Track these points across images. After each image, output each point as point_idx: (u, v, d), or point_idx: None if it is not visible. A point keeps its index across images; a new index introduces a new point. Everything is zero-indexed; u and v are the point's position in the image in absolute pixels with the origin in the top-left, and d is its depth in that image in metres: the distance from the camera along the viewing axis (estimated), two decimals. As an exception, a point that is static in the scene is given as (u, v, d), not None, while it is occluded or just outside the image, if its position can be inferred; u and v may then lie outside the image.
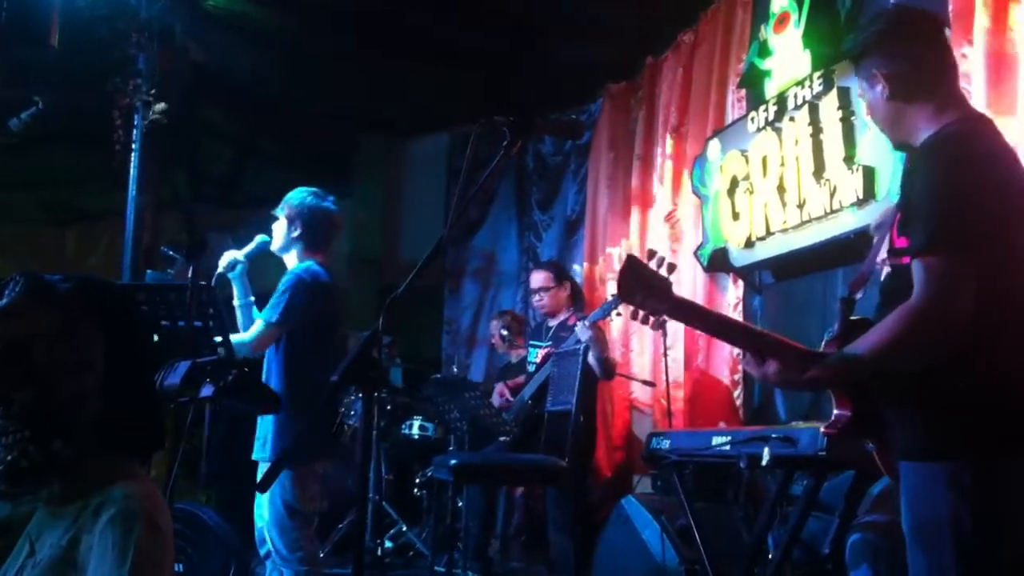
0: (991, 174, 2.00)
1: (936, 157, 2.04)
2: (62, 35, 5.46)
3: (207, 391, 3.00)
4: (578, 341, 5.02)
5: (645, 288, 2.08)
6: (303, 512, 3.65)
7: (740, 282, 5.62)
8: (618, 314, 5.53)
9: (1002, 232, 1.97)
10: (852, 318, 2.17)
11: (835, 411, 2.16)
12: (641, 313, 2.18)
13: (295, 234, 3.89)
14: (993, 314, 1.95)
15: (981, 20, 3.69)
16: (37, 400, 1.67)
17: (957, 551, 1.94)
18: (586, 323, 5.11)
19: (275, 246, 3.94)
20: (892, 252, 2.10)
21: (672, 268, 2.36)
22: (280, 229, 3.94)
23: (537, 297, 5.71)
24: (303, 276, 3.77)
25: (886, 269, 2.15)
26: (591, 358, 5.12)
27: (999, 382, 1.98)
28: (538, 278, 5.74)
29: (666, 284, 2.10)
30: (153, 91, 6.39)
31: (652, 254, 2.34)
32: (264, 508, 3.69)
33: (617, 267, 6.78)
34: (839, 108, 4.51)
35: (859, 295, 2.19)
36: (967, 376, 1.96)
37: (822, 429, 2.47)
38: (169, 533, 1.70)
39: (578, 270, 7.29)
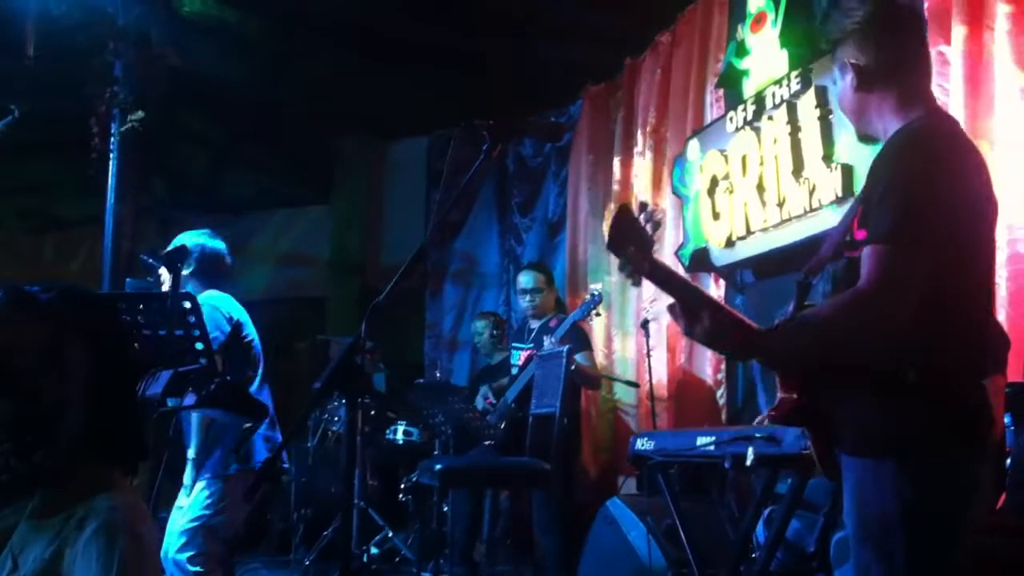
0: (954, 172, 2.01)
1: (902, 152, 2.04)
2: (38, 43, 5.42)
3: (189, 400, 2.98)
4: (559, 342, 5.05)
5: (636, 240, 2.03)
6: (214, 530, 3.61)
7: (721, 281, 5.64)
8: (597, 314, 5.52)
9: (957, 231, 1.97)
10: (806, 303, 2.16)
11: (779, 394, 2.15)
12: (628, 267, 2.08)
13: (187, 272, 3.78)
14: (943, 310, 1.95)
15: (958, 18, 3.73)
16: (19, 411, 1.66)
17: (908, 549, 1.92)
18: (553, 339, 5.17)
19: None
20: (851, 244, 2.08)
21: (658, 226, 2.29)
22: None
23: (529, 298, 5.68)
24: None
25: (840, 261, 2.14)
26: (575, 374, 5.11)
27: (947, 378, 1.96)
28: (532, 279, 5.71)
29: (650, 242, 2.06)
30: (131, 98, 6.35)
31: (643, 207, 2.21)
32: (174, 524, 3.64)
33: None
34: (817, 106, 4.53)
35: (815, 280, 2.17)
36: (914, 372, 1.94)
37: (766, 412, 2.45)
38: (153, 544, 1.69)
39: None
